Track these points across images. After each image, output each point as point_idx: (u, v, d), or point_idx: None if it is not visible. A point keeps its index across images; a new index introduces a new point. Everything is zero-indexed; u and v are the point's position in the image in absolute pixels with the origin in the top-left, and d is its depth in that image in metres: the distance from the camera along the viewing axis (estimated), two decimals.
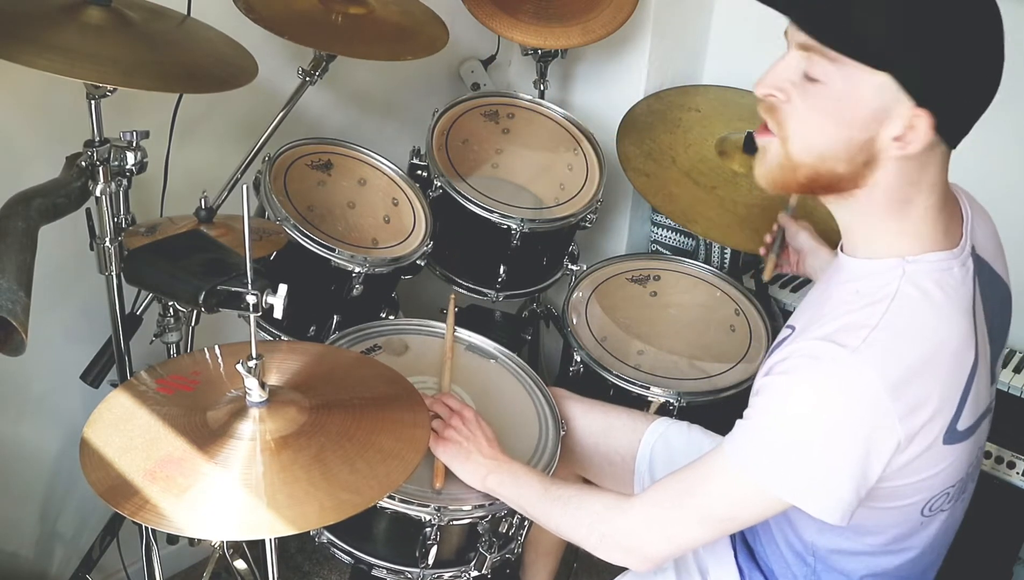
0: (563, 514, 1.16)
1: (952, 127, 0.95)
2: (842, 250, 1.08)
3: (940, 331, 0.98)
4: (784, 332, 1.10)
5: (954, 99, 0.93)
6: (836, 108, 0.94)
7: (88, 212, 1.26)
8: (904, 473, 0.99)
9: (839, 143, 0.95)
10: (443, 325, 1.58)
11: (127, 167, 1.23)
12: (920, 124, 0.92)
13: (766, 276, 1.56)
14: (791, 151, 0.98)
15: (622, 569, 1.23)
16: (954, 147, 0.98)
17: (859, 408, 0.94)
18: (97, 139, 1.20)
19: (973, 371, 1.00)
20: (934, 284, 0.98)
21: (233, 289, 1.05)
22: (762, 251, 1.57)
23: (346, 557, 1.30)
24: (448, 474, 1.26)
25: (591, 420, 1.48)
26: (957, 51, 0.90)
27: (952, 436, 1.00)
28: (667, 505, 1.07)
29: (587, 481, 1.56)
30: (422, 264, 1.66)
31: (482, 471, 1.24)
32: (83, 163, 1.20)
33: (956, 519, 1.17)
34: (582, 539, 1.14)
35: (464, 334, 1.58)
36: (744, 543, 1.27)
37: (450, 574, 1.30)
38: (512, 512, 1.27)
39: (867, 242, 1.03)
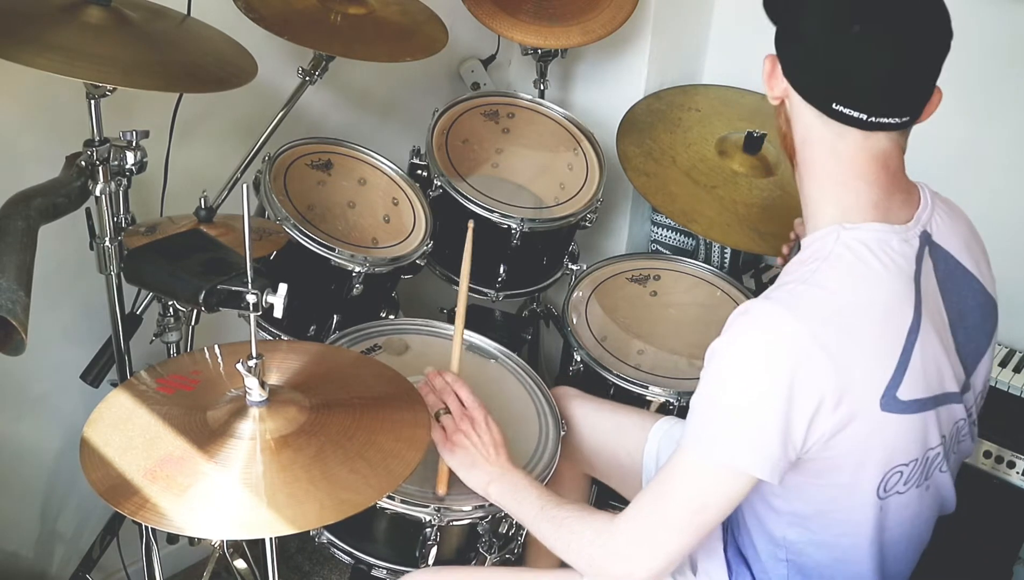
0: (555, 536, 1.16)
1: (805, 86, 1.03)
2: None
3: (870, 286, 1.01)
4: None
5: (795, 54, 1.04)
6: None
7: (88, 212, 1.26)
8: (840, 440, 1.00)
9: (775, 97, 1.09)
10: (443, 325, 1.59)
11: (127, 167, 1.23)
12: (775, 66, 1.05)
13: None
14: None
15: None
16: (859, 125, 1.01)
17: (780, 352, 0.97)
18: (97, 139, 1.20)
19: (913, 334, 1.02)
20: (866, 249, 1.02)
21: (233, 288, 1.05)
22: (779, 262, 1.58)
23: (346, 557, 1.30)
24: (450, 477, 1.26)
25: (599, 418, 1.48)
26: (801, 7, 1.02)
27: (891, 404, 1.01)
28: (646, 511, 1.08)
29: (596, 481, 1.57)
30: (422, 264, 1.66)
31: (485, 479, 1.24)
32: (83, 163, 1.20)
33: (923, 515, 1.16)
34: (573, 563, 1.14)
35: (464, 334, 1.57)
36: (732, 537, 1.28)
37: None
38: None
39: (812, 218, 1.09)
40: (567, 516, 1.16)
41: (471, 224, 1.45)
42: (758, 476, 0.99)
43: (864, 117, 1.00)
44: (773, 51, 1.07)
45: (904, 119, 1.01)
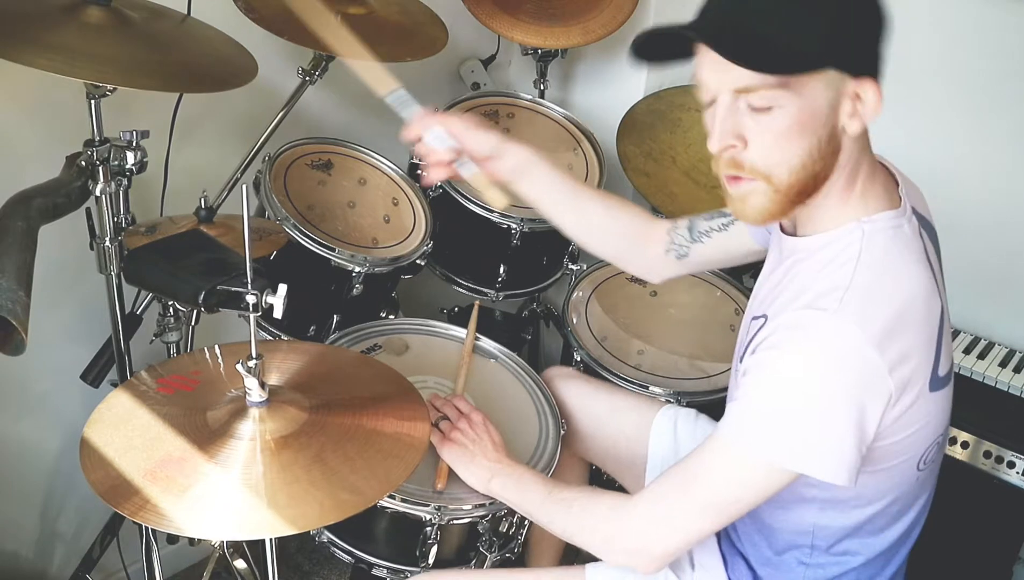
0: (567, 517, 1.16)
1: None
2: (784, 231, 1.11)
3: (908, 282, 1.01)
4: (754, 324, 1.11)
5: (870, 50, 0.98)
6: (799, 121, 0.97)
7: (88, 212, 1.26)
8: (897, 427, 1.01)
9: (813, 147, 0.98)
10: (443, 325, 1.59)
11: (127, 167, 1.23)
12: (866, 91, 0.97)
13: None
14: (779, 181, 1.00)
15: None
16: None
17: (848, 365, 0.97)
18: (97, 139, 1.20)
19: (942, 316, 1.04)
20: (890, 240, 1.02)
21: (233, 289, 1.05)
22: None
23: (346, 556, 1.30)
24: (450, 475, 1.27)
25: (596, 401, 1.49)
26: (862, 17, 0.97)
27: (935, 383, 1.03)
28: (671, 497, 1.07)
29: (592, 466, 1.57)
30: (422, 264, 1.66)
31: (486, 474, 1.24)
32: (83, 163, 1.20)
33: (935, 477, 1.19)
34: (586, 543, 1.13)
35: (464, 334, 1.58)
36: (724, 531, 1.27)
37: None
38: (512, 511, 1.27)
39: (821, 219, 1.06)
40: (577, 496, 1.16)
41: (477, 303, 1.63)
42: (836, 482, 0.98)
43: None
44: (725, 107, 1.01)
45: None
